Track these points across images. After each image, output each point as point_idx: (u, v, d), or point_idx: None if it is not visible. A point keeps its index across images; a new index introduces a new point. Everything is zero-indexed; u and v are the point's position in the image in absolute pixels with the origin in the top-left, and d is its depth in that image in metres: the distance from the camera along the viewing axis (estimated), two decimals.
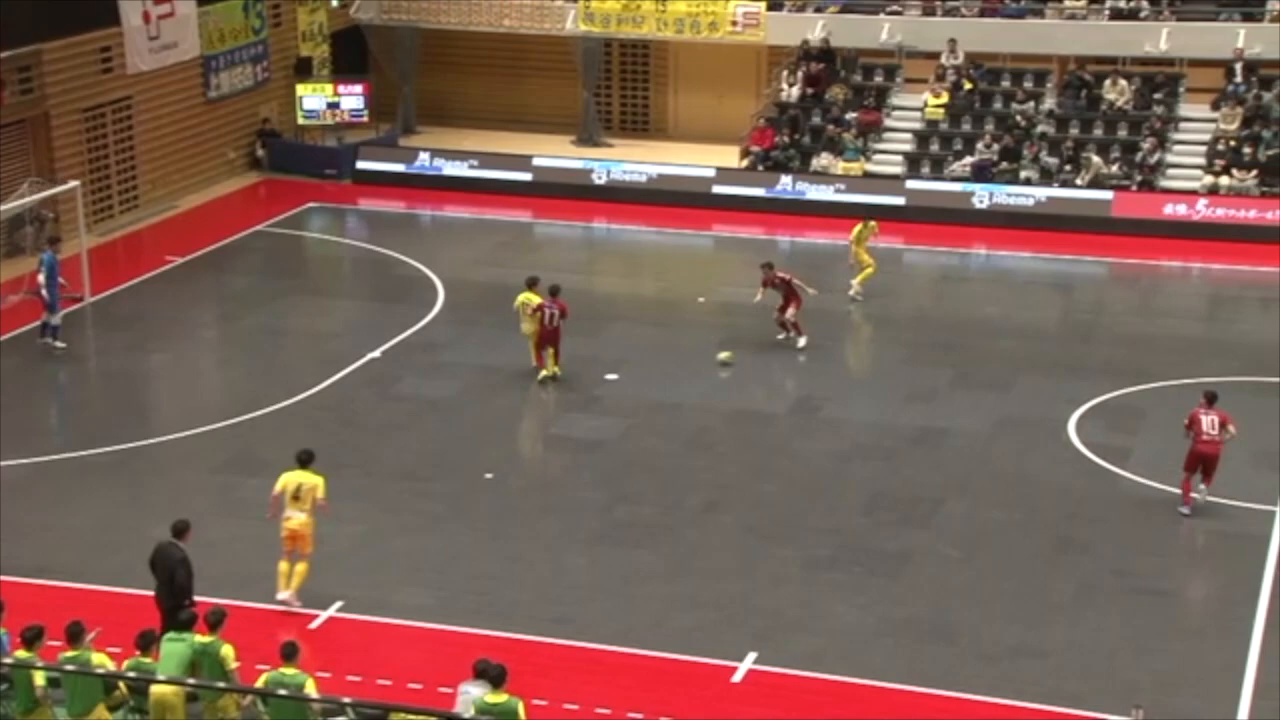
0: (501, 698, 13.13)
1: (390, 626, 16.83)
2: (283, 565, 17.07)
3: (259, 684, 13.46)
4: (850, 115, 34.71)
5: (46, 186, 28.39)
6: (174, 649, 14.05)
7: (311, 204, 33.66)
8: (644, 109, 38.92)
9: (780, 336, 25.03)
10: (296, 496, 17.06)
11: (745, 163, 34.44)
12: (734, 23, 35.69)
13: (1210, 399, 19.78)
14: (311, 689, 13.37)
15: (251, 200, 34.11)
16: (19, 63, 29.27)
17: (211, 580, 16.28)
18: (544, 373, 23.93)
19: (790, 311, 25.01)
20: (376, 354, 24.92)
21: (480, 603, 17.32)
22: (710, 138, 36.24)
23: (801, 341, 24.84)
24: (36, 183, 28.54)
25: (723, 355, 24.42)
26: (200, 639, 13.92)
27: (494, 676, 13.20)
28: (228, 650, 13.86)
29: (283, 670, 13.45)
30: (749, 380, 23.91)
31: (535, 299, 23.75)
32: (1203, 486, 19.46)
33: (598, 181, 33.95)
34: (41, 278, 24.84)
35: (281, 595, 16.95)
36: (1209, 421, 19.47)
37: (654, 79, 38.67)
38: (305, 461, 17.24)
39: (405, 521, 19.38)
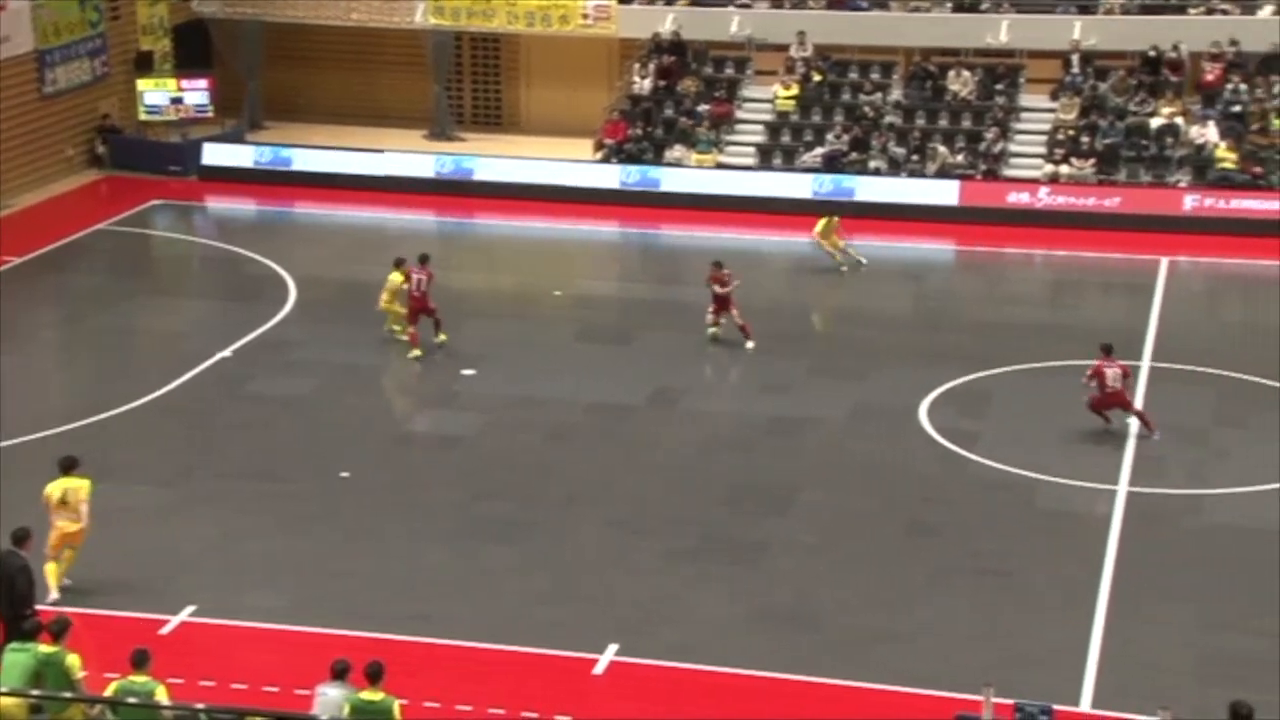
0: (378, 695, 13.03)
1: (244, 630, 16.60)
2: (49, 566, 16.75)
3: (108, 693, 13.15)
4: (702, 107, 34.95)
5: None
6: (16, 659, 13.66)
7: (156, 201, 33.05)
8: (496, 103, 38.76)
9: (710, 331, 24.82)
10: (65, 502, 16.88)
11: (599, 155, 34.50)
12: (585, 16, 35.71)
13: (1108, 351, 21.20)
14: (163, 696, 13.11)
15: (92, 198, 33.38)
16: None
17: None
18: (415, 351, 23.98)
19: (733, 314, 24.62)
20: (228, 353, 24.52)
21: (338, 603, 17.14)
22: (563, 131, 36.22)
23: (750, 345, 24.66)
24: None
25: (711, 331, 24.70)
26: (44, 649, 13.56)
27: (371, 674, 13.08)
28: (73, 660, 13.52)
29: (132, 678, 13.16)
30: (607, 373, 23.96)
31: (402, 279, 24.12)
32: (1130, 420, 21.30)
33: (450, 176, 33.75)
34: None
35: (53, 596, 16.61)
36: (1113, 375, 21.04)
37: (505, 72, 38.53)
38: (68, 468, 17.13)
39: (259, 523, 19.10)
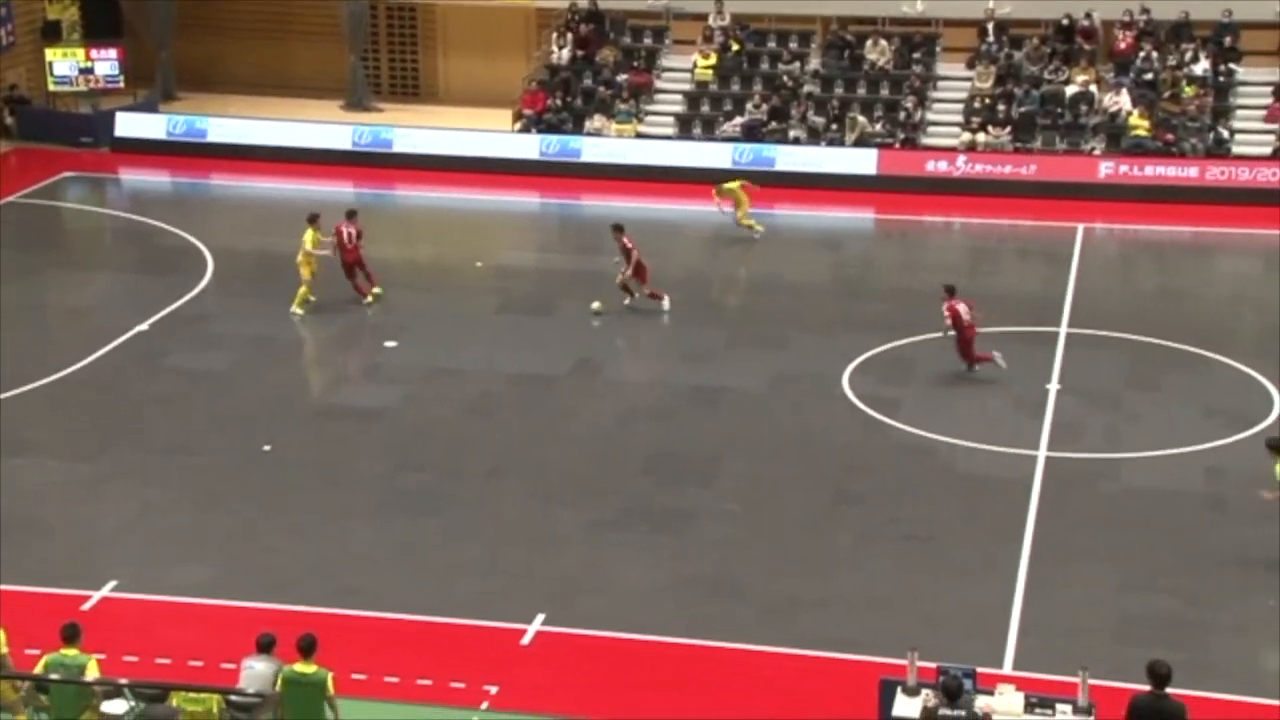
0: (311, 668, 13.01)
1: (167, 605, 16.47)
2: None
3: (38, 669, 13.00)
4: (621, 77, 34.87)
5: None
6: None
7: (67, 173, 32.60)
8: (414, 73, 38.44)
9: (626, 301, 24.89)
10: None
11: (518, 126, 34.33)
12: None
13: (951, 291, 22.26)
14: (94, 671, 12.99)
15: (1, 170, 32.70)
16: None
17: None
18: (376, 290, 24.97)
19: (630, 277, 24.69)
20: (144, 327, 24.24)
21: (262, 577, 17.03)
22: (482, 101, 36.00)
23: (665, 303, 24.96)
24: None
25: (595, 305, 24.60)
26: None
27: (304, 647, 13.04)
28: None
29: (63, 652, 13.02)
30: (528, 344, 23.91)
31: (318, 236, 24.39)
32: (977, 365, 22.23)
33: (369, 147, 33.47)
34: None
35: None
36: (965, 310, 22.15)
37: (423, 42, 38.20)
38: None
39: (181, 497, 18.92)
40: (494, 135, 33.71)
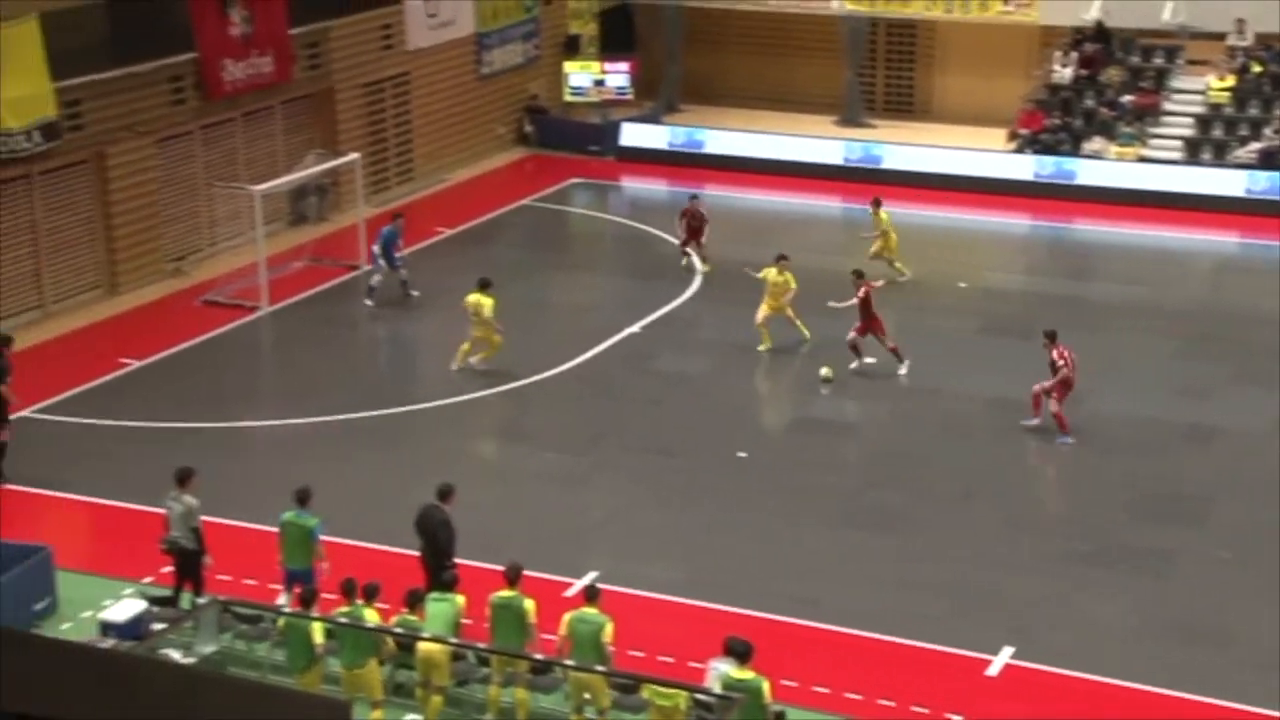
0: (747, 674, 13.07)
1: (642, 599, 16.87)
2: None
3: (562, 626, 14.01)
4: (1126, 98, 33.41)
5: (330, 158, 29.40)
6: (438, 609, 14.44)
7: (575, 180, 33.97)
8: (909, 89, 38.18)
9: (853, 365, 22.96)
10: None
11: (1012, 146, 33.49)
12: (1005, 2, 34.68)
13: (1052, 337, 20.45)
14: (610, 632, 13.90)
15: (518, 175, 34.61)
16: (309, 39, 30.36)
17: (472, 543, 16.30)
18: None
19: (861, 335, 22.83)
20: (636, 329, 25.01)
21: (729, 580, 17.22)
22: (976, 120, 35.36)
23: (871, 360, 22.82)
24: (320, 154, 29.61)
25: (824, 371, 22.81)
26: (503, 593, 14.37)
27: (740, 653, 13.11)
28: (529, 604, 14.30)
29: (584, 610, 14.06)
30: (1008, 367, 23.19)
31: (487, 302, 22.74)
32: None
33: (858, 163, 33.46)
34: (376, 248, 26.02)
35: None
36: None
37: (920, 59, 37.89)
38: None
39: (658, 496, 19.44)
40: (986, 154, 32.99)
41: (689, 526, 18.65)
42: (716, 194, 33.44)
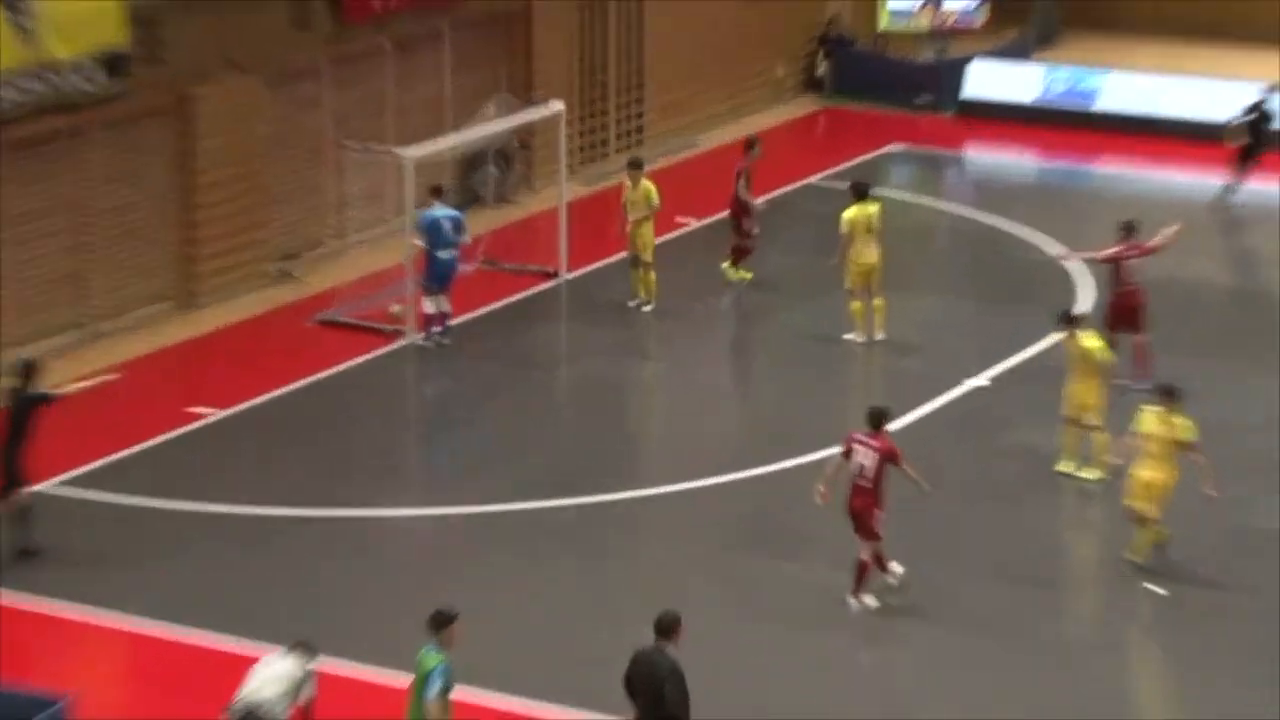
0: None
1: None
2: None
3: None
4: None
5: (519, 108, 28.98)
6: None
7: (894, 146, 34.06)
8: None
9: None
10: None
11: None
12: None
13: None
14: None
15: (805, 138, 35.02)
16: None
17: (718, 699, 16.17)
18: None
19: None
20: (982, 381, 24.58)
21: None
22: None
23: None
24: (506, 102, 29.15)
25: None
26: None
27: None
28: None
29: None
30: None
31: None
32: None
33: None
34: (421, 242, 25.48)
35: None
36: None
37: None
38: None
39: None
40: None
41: None
42: (1120, 174, 32.26)
